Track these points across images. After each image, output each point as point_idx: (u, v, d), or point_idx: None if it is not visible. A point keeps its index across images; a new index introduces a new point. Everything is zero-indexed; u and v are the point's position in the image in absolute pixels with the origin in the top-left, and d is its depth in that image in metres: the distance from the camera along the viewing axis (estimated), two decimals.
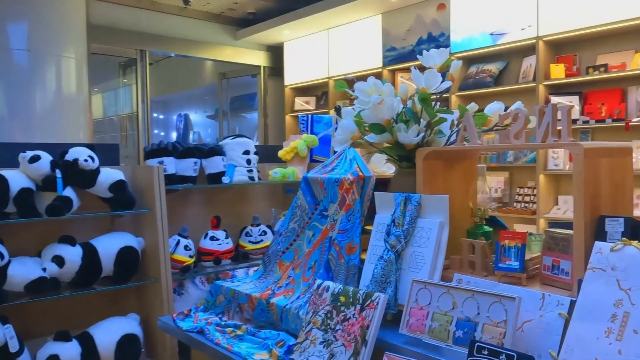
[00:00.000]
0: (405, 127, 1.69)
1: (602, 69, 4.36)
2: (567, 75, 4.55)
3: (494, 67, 5.13)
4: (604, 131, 4.48)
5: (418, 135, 1.66)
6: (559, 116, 1.36)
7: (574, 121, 4.40)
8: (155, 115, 9.98)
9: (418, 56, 1.81)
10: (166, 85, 9.22)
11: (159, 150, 2.62)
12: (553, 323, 1.20)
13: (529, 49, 4.80)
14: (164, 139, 3.01)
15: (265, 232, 2.87)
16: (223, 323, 1.82)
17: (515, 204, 4.97)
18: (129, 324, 2.37)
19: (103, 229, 2.47)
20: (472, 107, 1.73)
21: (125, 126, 7.62)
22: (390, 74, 6.01)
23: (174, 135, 10.00)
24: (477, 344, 1.15)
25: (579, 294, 1.14)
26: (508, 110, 1.59)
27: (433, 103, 1.70)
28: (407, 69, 5.85)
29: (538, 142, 1.37)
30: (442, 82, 1.68)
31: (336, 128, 3.13)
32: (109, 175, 2.37)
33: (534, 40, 4.67)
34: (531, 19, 4.69)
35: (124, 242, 2.40)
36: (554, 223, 1.47)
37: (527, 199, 4.89)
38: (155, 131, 10.05)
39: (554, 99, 4.62)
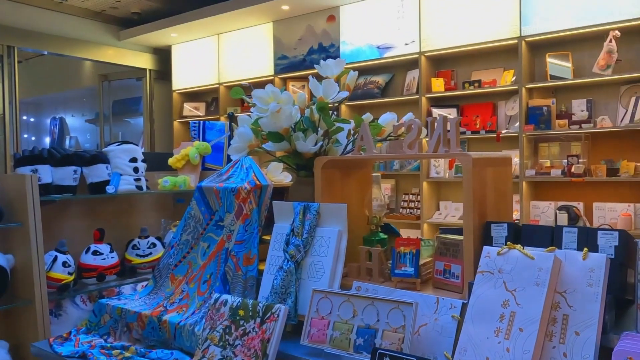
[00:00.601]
0: (304, 135, 1.68)
1: (476, 84, 4.74)
2: (446, 89, 4.89)
3: (380, 79, 5.36)
4: (479, 142, 4.87)
5: (316, 144, 1.67)
6: (449, 127, 1.44)
7: None
8: (24, 118, 9.11)
9: (315, 66, 1.82)
10: (38, 85, 8.44)
11: (32, 157, 2.37)
12: (447, 326, 1.26)
13: (413, 63, 5.08)
14: (36, 144, 2.74)
15: (154, 245, 2.71)
16: (109, 345, 1.68)
17: (401, 209, 5.22)
18: None
19: None
20: (367, 117, 1.77)
21: None
22: (281, 81, 6.03)
23: (47, 140, 9.17)
24: (379, 351, 1.17)
25: (470, 296, 1.21)
26: (401, 121, 1.65)
27: (330, 112, 1.72)
28: (299, 78, 5.91)
29: (430, 152, 1.43)
30: (338, 92, 1.71)
31: (229, 135, 3.07)
32: None
33: (417, 55, 4.96)
34: (414, 35, 4.98)
35: None
36: (444, 229, 1.55)
37: (412, 204, 5.15)
38: (25, 135, 9.16)
39: (435, 111, 4.93)
